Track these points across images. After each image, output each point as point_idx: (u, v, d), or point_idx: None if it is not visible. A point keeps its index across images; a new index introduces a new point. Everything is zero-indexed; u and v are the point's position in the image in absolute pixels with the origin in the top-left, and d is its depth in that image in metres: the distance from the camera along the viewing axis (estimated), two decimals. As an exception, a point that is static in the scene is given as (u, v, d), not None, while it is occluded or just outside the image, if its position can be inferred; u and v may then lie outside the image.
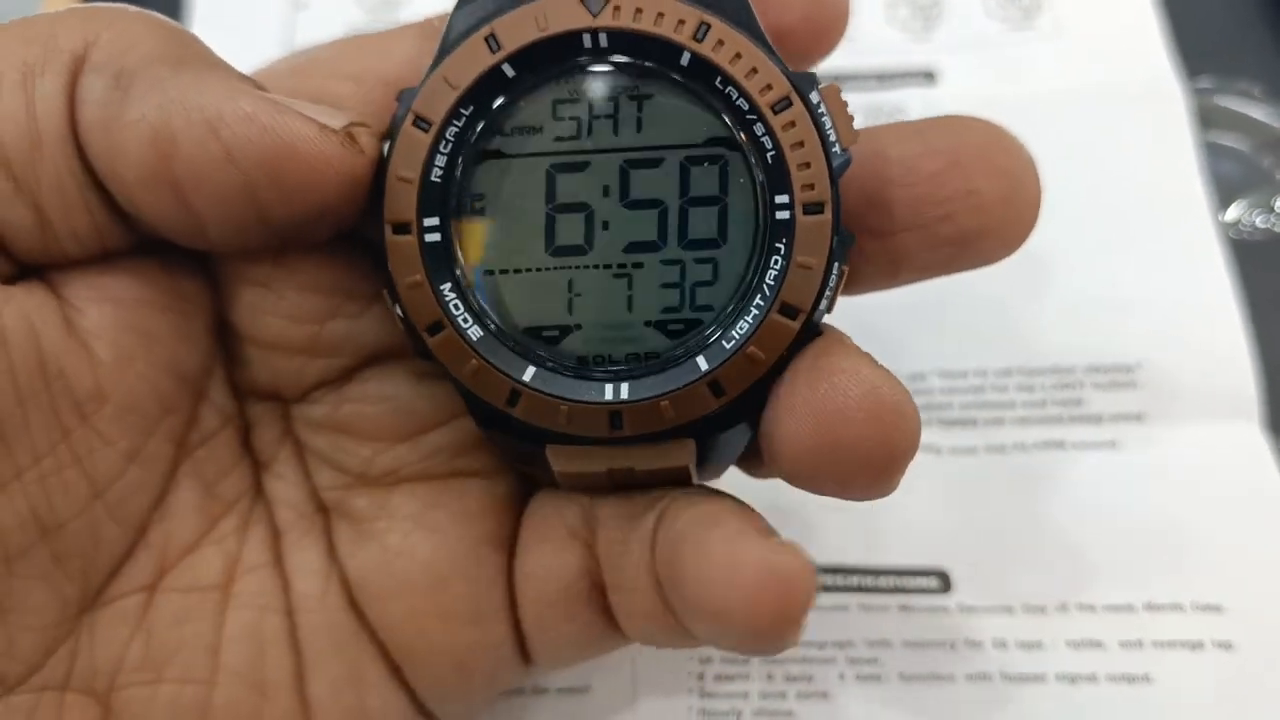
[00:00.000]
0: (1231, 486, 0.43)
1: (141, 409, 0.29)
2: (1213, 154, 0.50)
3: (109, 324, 0.28)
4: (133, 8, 0.29)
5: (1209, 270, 0.47)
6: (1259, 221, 0.50)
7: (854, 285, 0.31)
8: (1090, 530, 0.42)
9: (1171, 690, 0.39)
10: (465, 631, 0.32)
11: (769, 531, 0.28)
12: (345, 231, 0.30)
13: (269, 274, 0.30)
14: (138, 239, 0.29)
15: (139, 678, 0.30)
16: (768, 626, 0.26)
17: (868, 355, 0.27)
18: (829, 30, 0.30)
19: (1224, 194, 0.50)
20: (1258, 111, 0.52)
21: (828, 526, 0.43)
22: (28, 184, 0.27)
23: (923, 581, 0.41)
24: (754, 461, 0.32)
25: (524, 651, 0.33)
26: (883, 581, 0.42)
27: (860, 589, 0.41)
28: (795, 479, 0.28)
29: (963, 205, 0.30)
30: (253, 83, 0.28)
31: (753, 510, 0.29)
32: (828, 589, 0.41)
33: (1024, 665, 0.39)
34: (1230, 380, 0.45)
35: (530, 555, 0.32)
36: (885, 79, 0.53)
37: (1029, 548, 0.42)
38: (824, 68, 0.30)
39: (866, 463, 0.26)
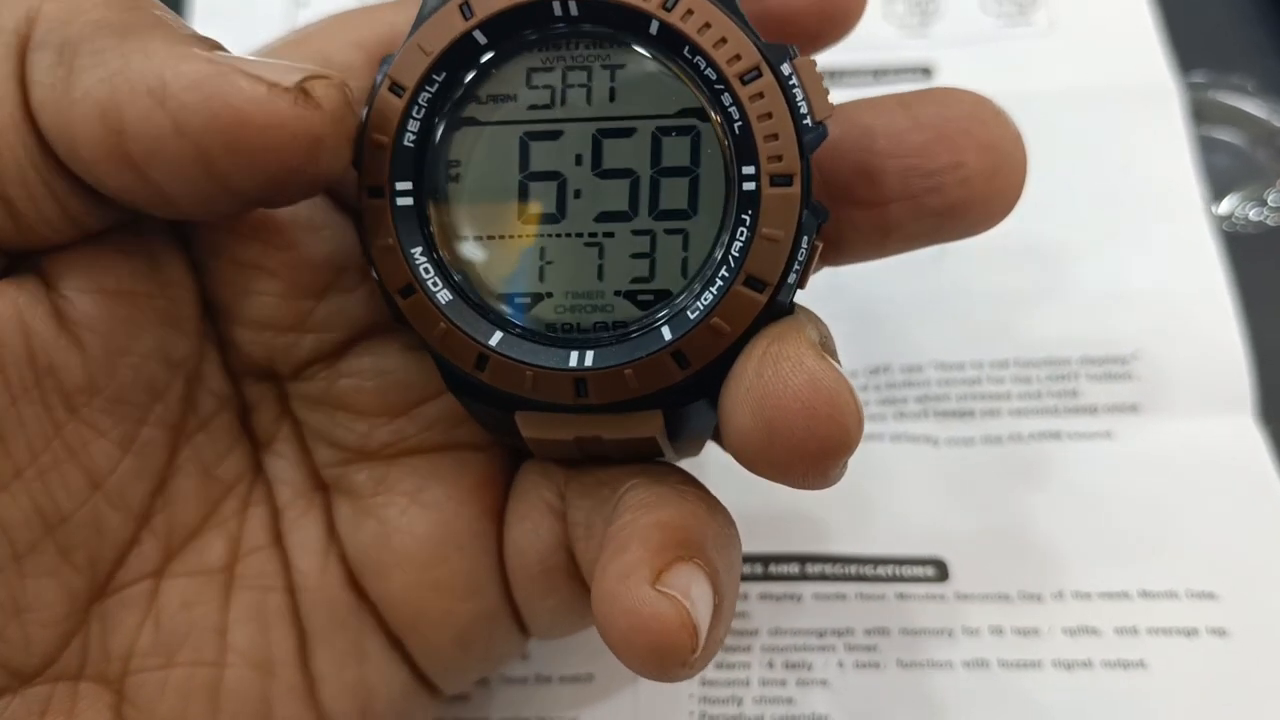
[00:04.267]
0: (1225, 476, 0.43)
1: (132, 398, 0.29)
2: (1207, 148, 0.51)
3: (98, 314, 0.28)
4: None
5: (1203, 263, 0.47)
6: (1252, 215, 0.50)
7: (843, 254, 0.32)
8: (1086, 519, 0.42)
9: (1166, 677, 0.39)
10: (463, 604, 0.32)
11: (679, 559, 0.27)
12: (343, 204, 0.30)
13: (260, 253, 0.30)
14: (117, 216, 0.28)
15: (150, 663, 0.30)
16: (643, 668, 0.26)
17: (817, 346, 0.27)
18: (842, 17, 0.31)
19: (1218, 188, 0.50)
20: (1251, 106, 0.53)
21: (826, 517, 0.43)
22: None
23: (920, 570, 0.42)
24: None
25: (520, 622, 0.33)
26: (881, 570, 0.42)
27: (859, 578, 0.42)
28: (739, 460, 0.28)
29: (950, 178, 0.30)
30: (207, 42, 0.27)
31: (682, 527, 0.28)
32: (827, 578, 0.42)
33: (1020, 652, 0.40)
34: (1224, 372, 0.45)
35: (514, 529, 0.32)
36: (881, 74, 0.54)
37: (1025, 537, 0.42)
38: (819, 62, 0.31)
39: (800, 452, 0.26)
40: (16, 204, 0.26)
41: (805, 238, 0.27)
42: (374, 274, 0.29)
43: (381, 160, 0.28)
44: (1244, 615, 0.40)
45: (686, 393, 0.28)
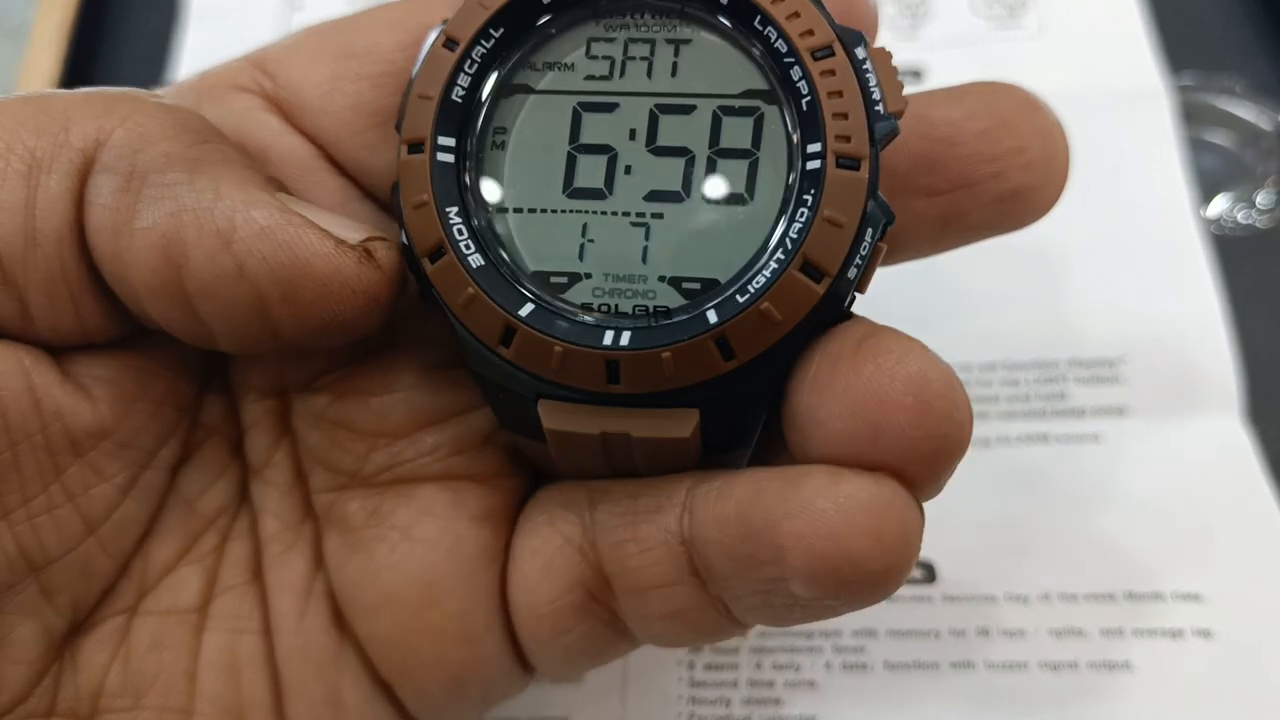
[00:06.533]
0: (1212, 478, 0.44)
1: (140, 443, 0.29)
2: (1195, 150, 0.51)
3: (106, 366, 0.28)
4: (151, 99, 0.28)
5: (1191, 265, 0.48)
6: (1240, 217, 0.50)
7: (899, 251, 0.31)
8: (1072, 522, 0.43)
9: (1152, 678, 0.39)
10: (457, 649, 0.30)
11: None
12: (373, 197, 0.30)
13: None
14: (130, 332, 0.28)
15: (119, 704, 0.29)
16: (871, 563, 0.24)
17: (918, 341, 0.25)
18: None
19: (1206, 189, 0.50)
20: (1240, 108, 0.53)
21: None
22: (15, 277, 0.26)
23: (908, 572, 0.42)
24: (772, 457, 0.29)
25: (524, 662, 0.31)
26: (869, 572, 0.42)
27: (847, 579, 0.42)
28: None
29: (1013, 163, 0.29)
30: (273, 182, 0.27)
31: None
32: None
33: (1007, 654, 0.40)
34: (1211, 374, 0.45)
35: (521, 567, 0.30)
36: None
37: (1012, 539, 0.43)
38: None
39: (911, 454, 0.24)
40: (32, 308, 0.26)
41: (869, 230, 0.26)
42: (403, 238, 0.27)
43: (426, 113, 0.27)
44: (1230, 617, 0.40)
45: (729, 389, 0.26)
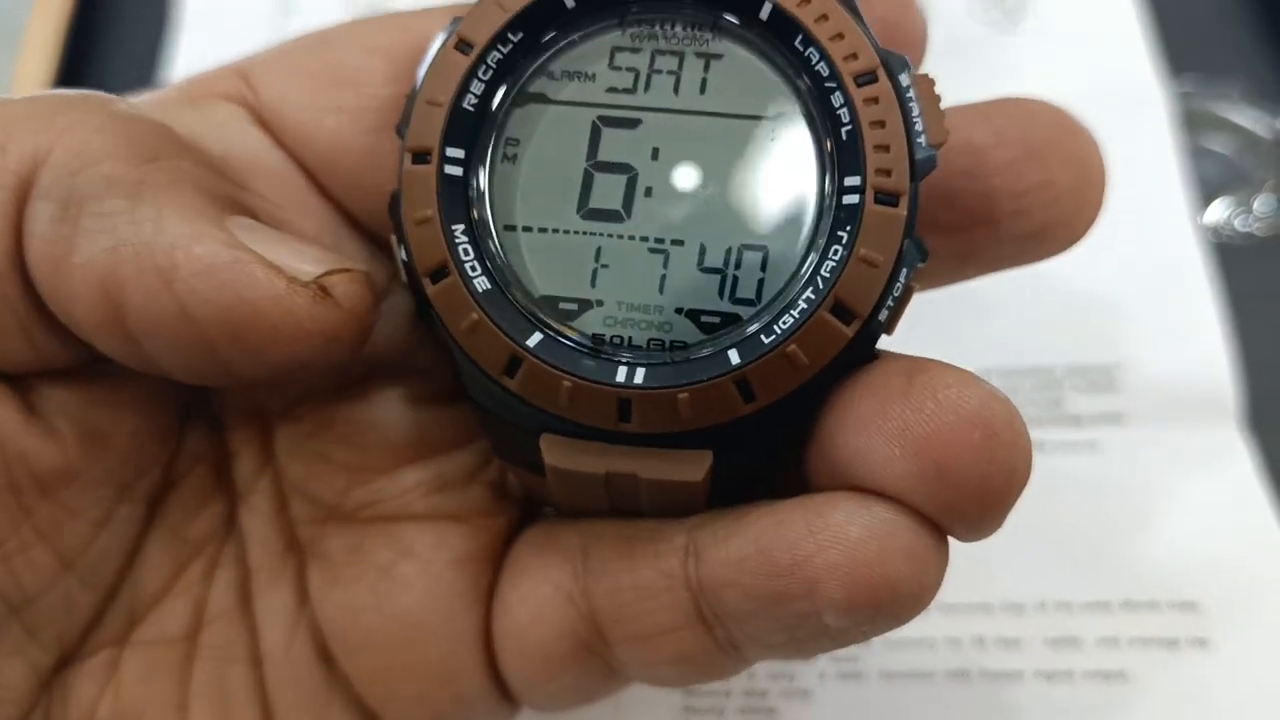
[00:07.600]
0: (1209, 486, 0.43)
1: (116, 479, 0.28)
2: (1194, 156, 0.51)
3: (74, 401, 0.26)
4: (105, 106, 0.26)
5: (1189, 272, 0.47)
6: (1238, 224, 0.50)
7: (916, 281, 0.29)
8: (1068, 529, 0.42)
9: (1147, 688, 0.39)
10: (439, 689, 0.29)
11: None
12: (356, 223, 0.28)
13: None
14: (91, 358, 0.26)
15: None
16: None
17: (968, 370, 0.24)
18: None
19: (1205, 196, 0.50)
20: (1238, 113, 0.53)
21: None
22: None
23: (903, 581, 0.42)
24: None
25: (509, 698, 0.31)
26: (864, 581, 0.42)
27: (841, 588, 0.42)
28: None
29: (1038, 199, 0.27)
30: (231, 206, 0.25)
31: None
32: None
33: (1002, 663, 0.40)
34: (1209, 382, 0.45)
35: (510, 613, 0.29)
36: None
37: (1008, 547, 0.42)
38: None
39: (980, 492, 0.23)
40: None
41: (904, 270, 0.24)
42: (401, 254, 0.25)
43: (434, 121, 0.25)
44: (1226, 626, 0.40)
45: (745, 432, 0.25)
